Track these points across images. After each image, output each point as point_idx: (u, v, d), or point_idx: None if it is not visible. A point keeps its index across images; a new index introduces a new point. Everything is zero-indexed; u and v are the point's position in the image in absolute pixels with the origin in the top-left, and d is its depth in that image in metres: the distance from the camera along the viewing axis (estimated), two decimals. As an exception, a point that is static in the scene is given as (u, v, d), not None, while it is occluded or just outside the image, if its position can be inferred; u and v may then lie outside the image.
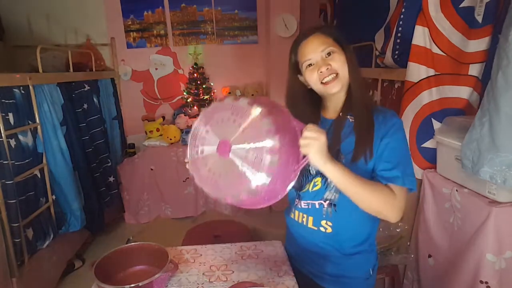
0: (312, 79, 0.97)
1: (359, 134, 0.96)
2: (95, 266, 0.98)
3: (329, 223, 1.00)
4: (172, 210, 3.13)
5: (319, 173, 1.00)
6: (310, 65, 0.97)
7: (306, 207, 1.03)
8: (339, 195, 0.97)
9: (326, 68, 0.94)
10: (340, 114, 1.01)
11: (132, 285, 0.92)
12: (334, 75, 0.95)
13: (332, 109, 1.04)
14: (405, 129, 1.66)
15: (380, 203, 0.88)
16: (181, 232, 2.26)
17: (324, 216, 1.00)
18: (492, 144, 1.19)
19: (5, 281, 1.69)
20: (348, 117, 0.99)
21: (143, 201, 3.11)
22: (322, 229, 1.01)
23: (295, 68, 1.02)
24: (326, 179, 0.99)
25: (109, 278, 0.99)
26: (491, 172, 1.20)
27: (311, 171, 1.02)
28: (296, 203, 1.06)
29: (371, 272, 1.05)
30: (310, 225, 1.03)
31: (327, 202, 0.99)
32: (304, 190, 1.03)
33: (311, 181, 1.02)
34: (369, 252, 1.04)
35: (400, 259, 1.71)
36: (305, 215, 1.04)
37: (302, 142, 0.79)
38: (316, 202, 1.01)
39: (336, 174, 0.82)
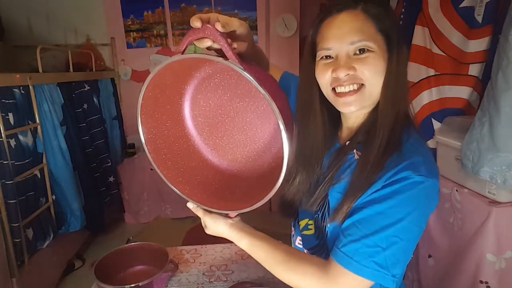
0: (323, 79, 0.65)
1: (350, 189, 0.64)
2: (95, 266, 0.98)
3: None
4: (172, 210, 3.13)
5: (310, 216, 0.75)
6: (327, 57, 0.64)
7: (300, 247, 0.79)
8: (327, 254, 0.70)
9: (346, 74, 0.62)
10: (347, 143, 0.70)
11: (132, 285, 0.91)
12: (357, 86, 0.63)
13: (345, 129, 0.74)
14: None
15: (294, 285, 0.64)
16: (181, 232, 2.26)
17: None
18: (492, 144, 1.19)
19: (5, 281, 1.69)
20: (355, 151, 0.68)
21: (143, 201, 3.11)
22: None
23: (312, 53, 0.68)
24: (317, 228, 0.73)
25: (109, 278, 0.99)
26: (491, 172, 1.20)
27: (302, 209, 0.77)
28: (293, 234, 0.83)
29: None
30: None
31: (316, 255, 0.73)
32: (299, 226, 0.79)
33: (303, 219, 0.77)
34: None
35: (400, 259, 1.71)
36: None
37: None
38: (305, 250, 0.77)
39: (244, 249, 0.69)
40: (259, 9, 3.39)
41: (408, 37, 1.62)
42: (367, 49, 0.61)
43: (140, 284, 0.92)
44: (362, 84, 0.62)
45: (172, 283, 1.05)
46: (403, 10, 1.66)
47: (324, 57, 0.65)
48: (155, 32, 3.40)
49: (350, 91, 0.63)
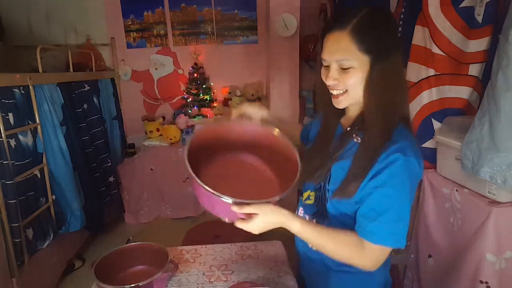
0: (324, 81, 0.84)
1: (351, 169, 0.81)
2: (95, 266, 0.98)
3: None
4: (172, 210, 3.13)
5: (312, 188, 0.95)
6: (326, 65, 0.83)
7: (302, 216, 0.99)
8: (326, 220, 0.90)
9: (332, 83, 0.81)
10: (348, 128, 0.88)
11: (132, 285, 0.92)
12: (342, 91, 0.81)
13: (348, 117, 0.91)
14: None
15: (344, 258, 0.80)
16: (181, 232, 2.26)
17: None
18: (492, 144, 1.19)
19: (5, 281, 1.69)
20: (354, 136, 0.85)
21: (143, 201, 3.11)
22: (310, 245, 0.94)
23: (321, 59, 0.88)
24: (317, 198, 0.92)
25: (109, 278, 0.99)
26: (491, 172, 1.20)
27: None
28: (298, 207, 1.03)
29: None
30: None
31: (315, 220, 0.93)
32: (301, 198, 1.00)
33: (306, 191, 0.97)
34: (367, 274, 0.84)
35: (400, 259, 1.71)
36: None
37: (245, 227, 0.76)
38: (307, 216, 0.97)
39: (295, 231, 0.79)
40: (259, 9, 3.40)
41: (408, 38, 1.62)
42: (349, 66, 0.77)
43: (140, 284, 0.92)
44: (346, 90, 0.81)
45: (172, 283, 1.05)
46: (403, 10, 1.66)
47: (324, 64, 0.83)
48: (155, 32, 3.40)
49: (338, 94, 0.82)
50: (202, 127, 0.95)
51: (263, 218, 0.76)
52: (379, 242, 0.77)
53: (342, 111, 0.91)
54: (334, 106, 0.86)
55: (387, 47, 0.76)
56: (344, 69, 0.78)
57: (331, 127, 0.93)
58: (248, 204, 0.75)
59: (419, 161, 0.78)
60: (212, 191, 0.76)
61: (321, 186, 0.90)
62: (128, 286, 0.91)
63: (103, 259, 1.03)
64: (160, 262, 1.01)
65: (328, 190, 0.87)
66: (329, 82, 0.81)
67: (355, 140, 0.85)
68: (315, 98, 0.96)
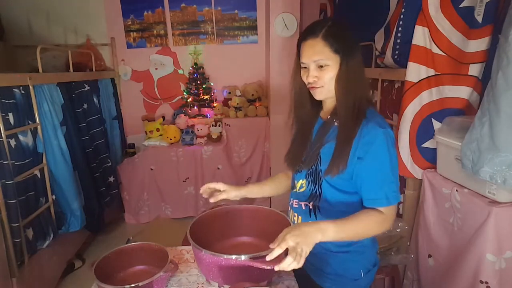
0: (305, 80, 1.01)
1: (337, 146, 0.97)
2: (95, 266, 0.98)
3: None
4: (172, 210, 3.14)
5: (303, 177, 1.08)
6: (304, 66, 1.00)
7: (297, 206, 1.10)
8: (321, 199, 1.03)
9: (313, 80, 0.98)
10: (328, 117, 1.05)
11: (132, 285, 0.92)
12: (321, 86, 0.98)
13: (326, 110, 1.08)
14: (405, 129, 1.68)
15: (374, 231, 0.93)
16: (181, 232, 2.26)
17: (310, 216, 1.05)
18: (492, 144, 1.19)
19: (5, 281, 1.69)
20: (335, 121, 1.01)
21: (143, 201, 3.11)
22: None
23: (298, 62, 1.04)
24: (310, 182, 1.06)
25: (109, 278, 0.99)
26: (491, 172, 1.20)
27: (299, 171, 1.09)
28: (291, 201, 1.14)
29: (362, 274, 1.05)
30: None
31: (311, 203, 1.05)
32: (294, 190, 1.11)
33: (298, 181, 1.09)
34: (360, 253, 1.04)
35: (400, 259, 1.71)
36: (295, 214, 1.10)
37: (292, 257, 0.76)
38: (303, 203, 1.07)
39: (331, 238, 0.85)
40: (259, 9, 3.39)
41: (408, 39, 1.62)
42: (324, 65, 0.96)
43: (140, 284, 0.92)
44: (323, 86, 0.98)
45: (172, 283, 1.05)
46: (403, 10, 1.66)
47: (303, 66, 1.01)
48: (155, 32, 3.40)
49: (317, 87, 0.99)
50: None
51: (292, 232, 0.79)
52: (393, 202, 0.93)
53: (317, 109, 1.09)
54: (309, 106, 1.07)
55: (351, 48, 0.96)
56: (321, 68, 0.96)
57: (309, 123, 1.09)
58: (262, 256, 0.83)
59: (391, 130, 0.97)
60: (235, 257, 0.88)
61: (312, 170, 1.04)
62: (128, 286, 0.91)
63: (103, 259, 1.03)
64: (160, 262, 1.01)
65: (321, 171, 1.01)
66: (310, 80, 0.98)
67: (336, 124, 1.01)
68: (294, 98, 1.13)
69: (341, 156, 0.95)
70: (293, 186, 1.13)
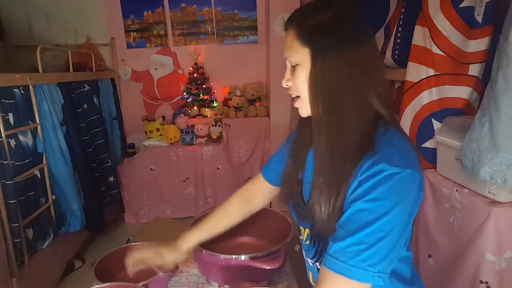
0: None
1: (312, 193, 0.69)
2: (95, 266, 0.98)
3: None
4: (172, 210, 3.13)
5: (308, 226, 0.80)
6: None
7: (306, 259, 0.85)
8: None
9: (286, 85, 0.74)
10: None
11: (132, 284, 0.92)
12: (295, 95, 0.73)
13: None
14: (405, 129, 1.67)
15: None
16: (181, 232, 2.26)
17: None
18: (492, 144, 1.19)
19: (5, 281, 1.69)
20: None
21: (143, 201, 3.11)
22: None
23: None
24: (314, 236, 0.78)
25: (110, 278, 0.99)
26: (491, 172, 1.20)
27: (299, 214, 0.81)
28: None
29: None
30: (311, 280, 0.85)
31: (319, 263, 0.77)
32: (301, 237, 0.84)
33: (303, 228, 0.82)
34: None
35: (400, 259, 1.71)
36: (307, 267, 0.86)
37: None
38: (309, 260, 0.81)
39: None
40: (259, 9, 3.39)
41: (408, 38, 1.62)
42: (295, 64, 0.69)
43: (140, 284, 0.92)
44: (299, 96, 0.72)
45: (172, 283, 1.05)
46: (403, 10, 1.66)
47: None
48: (155, 32, 3.40)
49: (294, 97, 0.73)
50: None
51: None
52: (339, 270, 0.58)
53: None
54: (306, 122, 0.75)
55: (331, 39, 0.65)
56: (293, 68, 0.71)
57: (303, 145, 0.80)
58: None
59: (413, 173, 0.61)
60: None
61: (312, 222, 0.74)
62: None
63: (103, 259, 1.03)
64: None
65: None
66: (283, 84, 0.74)
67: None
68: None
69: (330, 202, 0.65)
70: (298, 230, 0.86)
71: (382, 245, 0.58)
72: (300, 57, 0.68)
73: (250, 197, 0.99)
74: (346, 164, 0.63)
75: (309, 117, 0.72)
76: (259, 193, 0.98)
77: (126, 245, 1.11)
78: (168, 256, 0.92)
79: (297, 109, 0.74)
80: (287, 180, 0.84)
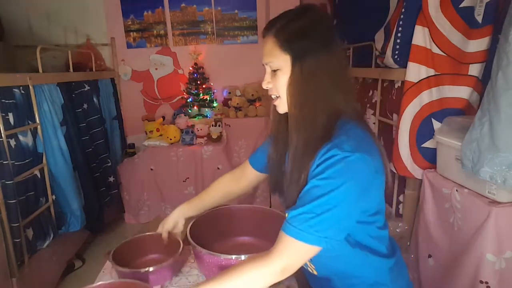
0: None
1: (290, 179, 0.79)
2: (112, 254, 1.02)
3: (313, 266, 0.89)
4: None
5: None
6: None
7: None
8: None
9: (267, 87, 0.83)
10: None
11: (146, 269, 0.95)
12: (276, 96, 0.82)
13: None
14: (405, 129, 1.68)
15: (257, 282, 0.71)
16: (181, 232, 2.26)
17: (312, 272, 0.91)
18: (492, 144, 1.19)
19: (5, 281, 1.69)
20: None
21: (143, 201, 3.11)
22: (309, 270, 0.92)
23: None
24: None
25: (126, 265, 1.02)
26: (491, 172, 1.20)
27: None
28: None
29: None
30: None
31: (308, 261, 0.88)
32: None
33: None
34: None
35: (400, 259, 1.71)
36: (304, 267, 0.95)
37: None
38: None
39: None
40: (259, 9, 3.39)
41: (408, 38, 1.62)
42: (276, 69, 0.78)
43: (150, 269, 0.95)
44: (279, 96, 0.81)
45: (172, 283, 1.05)
46: (403, 10, 1.66)
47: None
48: (155, 32, 3.40)
49: (274, 98, 0.83)
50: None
51: None
52: (291, 233, 0.69)
53: None
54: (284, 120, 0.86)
55: (309, 45, 0.74)
56: (274, 72, 0.79)
57: (282, 139, 0.88)
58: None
59: (363, 156, 0.70)
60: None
61: None
62: (143, 270, 0.94)
63: (119, 248, 1.07)
64: (172, 251, 1.04)
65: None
66: (264, 86, 0.83)
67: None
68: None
69: (292, 186, 0.77)
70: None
71: (328, 216, 0.68)
72: (281, 63, 0.77)
73: (239, 179, 1.12)
74: (309, 153, 0.74)
75: (286, 113, 0.83)
76: (246, 177, 1.11)
77: (141, 235, 1.15)
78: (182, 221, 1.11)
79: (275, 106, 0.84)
80: (272, 172, 0.94)
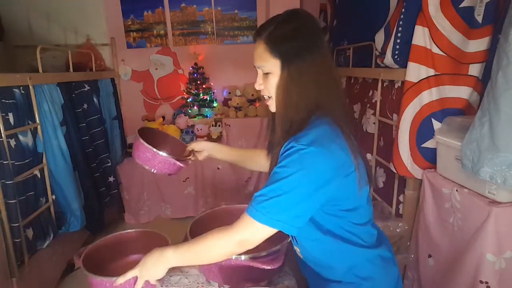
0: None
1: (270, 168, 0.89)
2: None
3: (298, 249, 0.97)
4: (172, 210, 3.13)
5: None
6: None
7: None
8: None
9: (259, 88, 0.90)
10: None
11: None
12: (267, 97, 0.90)
13: None
14: (405, 129, 1.68)
15: (221, 250, 0.81)
16: (181, 232, 2.25)
17: (294, 241, 0.97)
18: (492, 144, 1.19)
19: (5, 281, 1.69)
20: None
21: (143, 201, 3.11)
22: (297, 253, 0.99)
23: None
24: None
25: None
26: (491, 172, 1.20)
27: None
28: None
29: None
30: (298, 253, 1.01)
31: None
32: None
33: None
34: (356, 284, 0.88)
35: (400, 259, 1.71)
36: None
37: None
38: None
39: (177, 264, 0.85)
40: (259, 9, 3.40)
41: (408, 39, 1.62)
42: (267, 72, 0.85)
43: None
44: (270, 96, 0.87)
45: (172, 283, 1.05)
46: (403, 10, 1.66)
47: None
48: (155, 32, 3.40)
49: (266, 98, 0.90)
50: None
51: (139, 263, 0.87)
52: (248, 211, 0.78)
53: None
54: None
55: (295, 50, 0.81)
56: (265, 74, 0.86)
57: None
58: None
59: (319, 150, 0.76)
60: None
61: None
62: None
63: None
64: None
65: None
66: (256, 87, 0.90)
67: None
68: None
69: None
70: None
71: (280, 200, 0.74)
72: (271, 67, 0.83)
73: (260, 156, 1.22)
74: (282, 146, 0.81)
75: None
76: (263, 156, 1.17)
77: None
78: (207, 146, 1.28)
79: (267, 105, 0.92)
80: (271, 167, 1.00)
